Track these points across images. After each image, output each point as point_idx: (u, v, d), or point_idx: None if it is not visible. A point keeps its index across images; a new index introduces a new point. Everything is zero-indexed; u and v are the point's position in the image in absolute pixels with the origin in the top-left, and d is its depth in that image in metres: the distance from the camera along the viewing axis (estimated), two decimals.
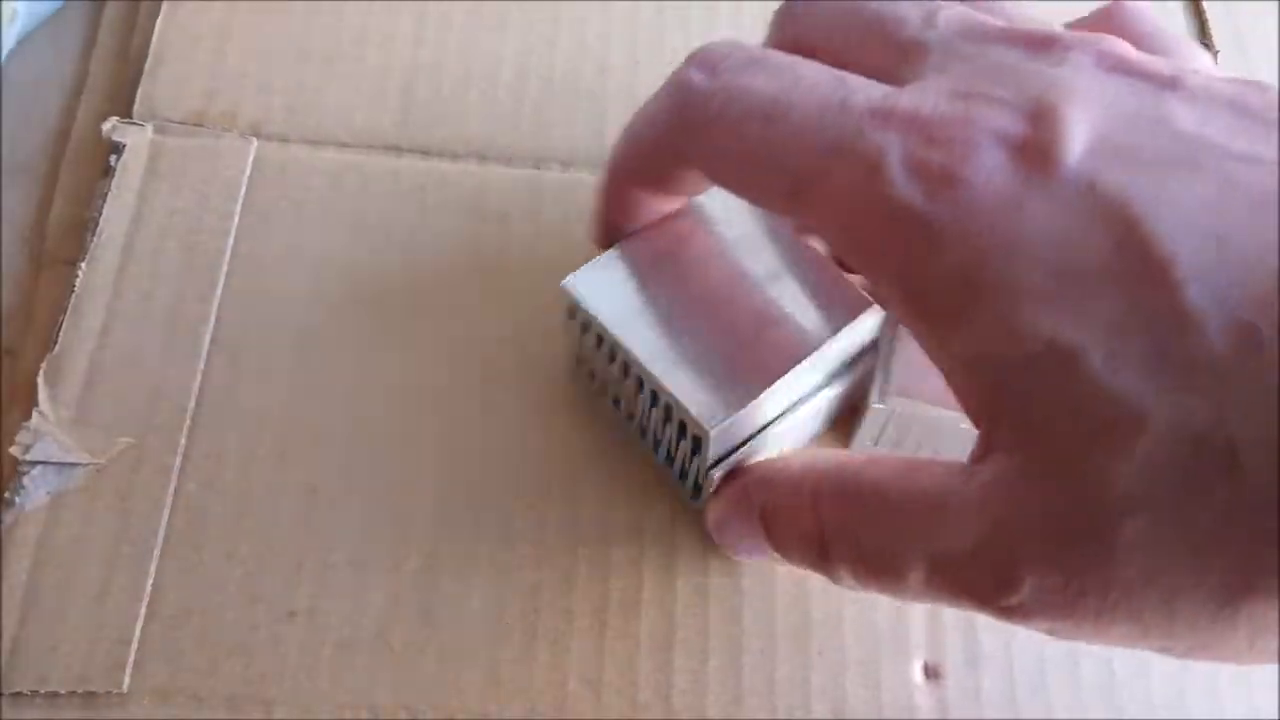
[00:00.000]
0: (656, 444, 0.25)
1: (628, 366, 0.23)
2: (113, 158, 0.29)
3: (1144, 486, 0.16)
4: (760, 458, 0.24)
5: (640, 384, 0.24)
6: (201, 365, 0.26)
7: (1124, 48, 0.19)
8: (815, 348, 0.23)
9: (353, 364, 0.27)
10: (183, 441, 0.26)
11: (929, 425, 0.25)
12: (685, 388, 0.22)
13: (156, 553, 0.24)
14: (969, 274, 0.18)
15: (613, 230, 0.25)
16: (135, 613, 0.24)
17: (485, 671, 0.24)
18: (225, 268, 0.28)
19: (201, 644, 0.24)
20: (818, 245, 0.24)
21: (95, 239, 0.28)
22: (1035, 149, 0.18)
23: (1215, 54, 0.34)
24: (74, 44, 0.32)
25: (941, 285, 0.18)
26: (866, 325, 0.24)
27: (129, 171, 0.29)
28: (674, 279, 0.24)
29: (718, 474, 0.23)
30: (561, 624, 0.24)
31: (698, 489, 0.24)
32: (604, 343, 0.24)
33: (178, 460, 0.25)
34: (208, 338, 0.27)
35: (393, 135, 0.30)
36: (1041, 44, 0.19)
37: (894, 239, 0.18)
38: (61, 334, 0.26)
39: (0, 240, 0.29)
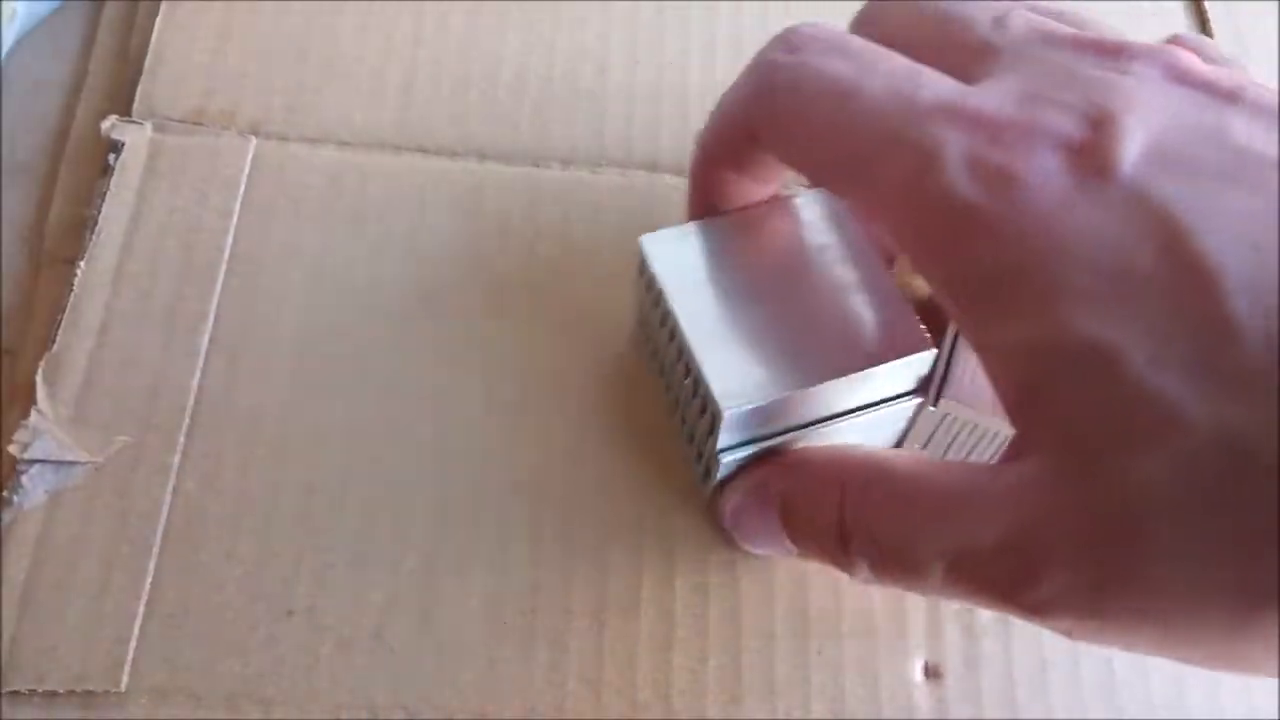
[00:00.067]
0: (684, 420, 0.25)
1: (674, 333, 0.23)
2: (112, 156, 0.29)
3: (1179, 490, 0.16)
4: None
5: (680, 354, 0.24)
6: (200, 364, 0.26)
7: (1190, 59, 0.20)
8: (857, 369, 0.22)
9: (351, 363, 0.27)
10: (181, 440, 0.26)
11: (979, 433, 0.25)
12: (715, 365, 0.22)
13: (155, 551, 0.24)
14: (1017, 269, 0.18)
15: (705, 209, 0.25)
16: (134, 611, 0.24)
17: (484, 671, 0.24)
18: (224, 266, 0.28)
19: (200, 643, 0.24)
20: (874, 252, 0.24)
21: (94, 238, 0.28)
22: (1093, 154, 0.18)
23: None
24: (73, 43, 0.32)
25: (988, 277, 0.18)
26: (917, 363, 0.23)
27: (128, 170, 0.29)
28: (745, 265, 0.24)
29: (727, 460, 0.23)
30: (560, 623, 0.24)
31: (709, 473, 0.24)
32: (660, 305, 0.24)
33: (176, 459, 0.25)
34: (206, 336, 0.27)
35: (392, 134, 0.30)
36: (1110, 51, 0.20)
37: (945, 229, 0.19)
38: (60, 333, 0.26)
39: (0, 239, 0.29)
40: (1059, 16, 0.21)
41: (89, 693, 0.23)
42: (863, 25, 0.23)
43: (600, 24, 0.32)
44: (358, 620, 0.24)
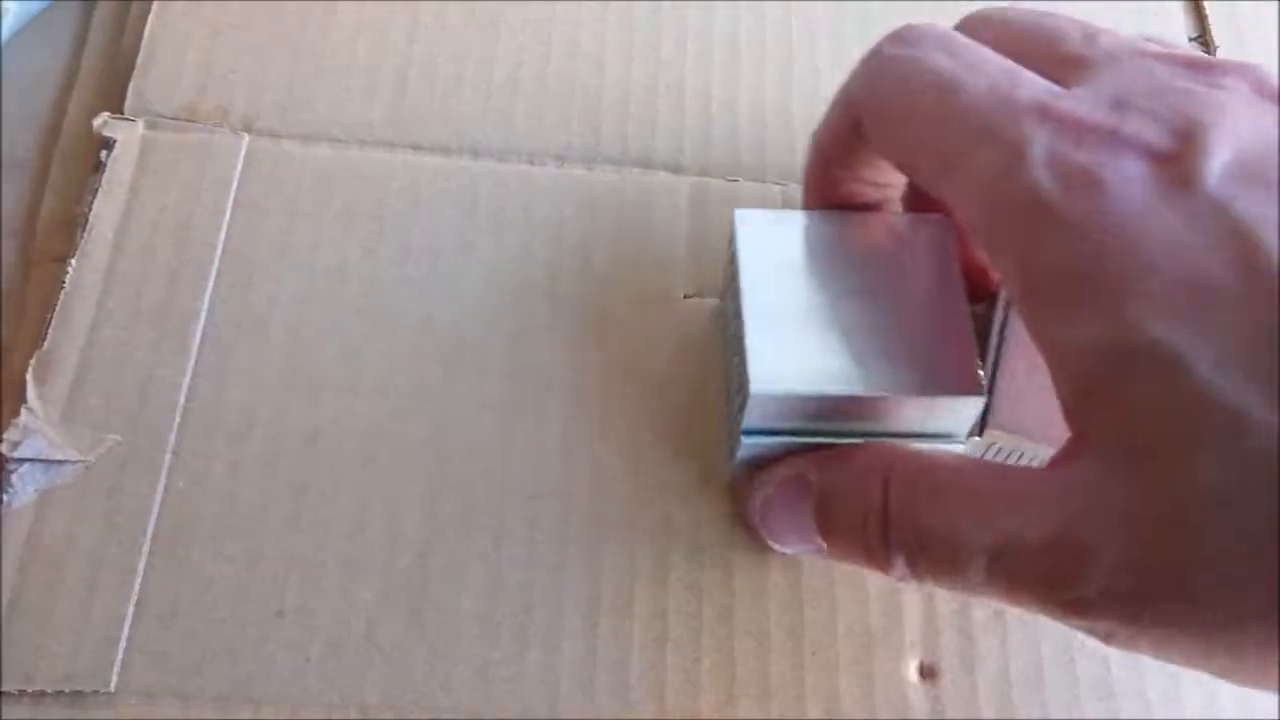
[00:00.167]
0: (729, 397, 0.25)
1: (738, 309, 0.23)
2: (103, 153, 0.29)
3: (1235, 494, 0.16)
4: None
5: (738, 329, 0.24)
6: (192, 362, 0.26)
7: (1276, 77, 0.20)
8: (898, 392, 0.22)
9: (343, 361, 0.27)
10: (172, 439, 0.25)
11: (1027, 459, 0.24)
12: (760, 344, 0.22)
13: (145, 551, 0.24)
14: (1088, 267, 0.18)
15: (818, 203, 0.25)
16: (123, 611, 0.24)
17: (476, 672, 0.24)
18: (216, 264, 0.28)
19: (189, 643, 0.23)
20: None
21: (85, 235, 0.27)
22: (1177, 165, 0.19)
23: (1214, 53, 0.33)
24: (66, 40, 0.32)
25: (1061, 273, 0.19)
26: (960, 406, 0.23)
27: (120, 167, 0.28)
28: (828, 262, 0.24)
29: (748, 442, 0.23)
30: (553, 623, 0.24)
31: (732, 453, 0.24)
32: (734, 280, 0.24)
33: (167, 458, 0.25)
34: (198, 334, 0.27)
35: (385, 131, 0.30)
36: (1201, 66, 0.20)
37: (1023, 223, 0.19)
38: (51, 330, 0.26)
39: None
40: (1148, 39, 0.22)
41: (78, 693, 0.23)
42: (963, 32, 0.24)
43: (595, 21, 0.32)
44: (348, 620, 0.24)
